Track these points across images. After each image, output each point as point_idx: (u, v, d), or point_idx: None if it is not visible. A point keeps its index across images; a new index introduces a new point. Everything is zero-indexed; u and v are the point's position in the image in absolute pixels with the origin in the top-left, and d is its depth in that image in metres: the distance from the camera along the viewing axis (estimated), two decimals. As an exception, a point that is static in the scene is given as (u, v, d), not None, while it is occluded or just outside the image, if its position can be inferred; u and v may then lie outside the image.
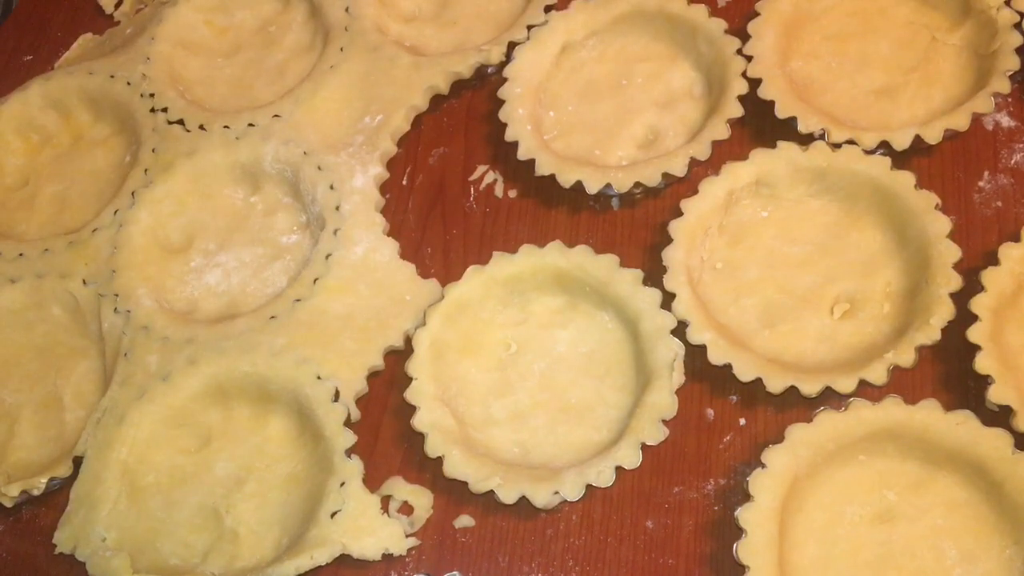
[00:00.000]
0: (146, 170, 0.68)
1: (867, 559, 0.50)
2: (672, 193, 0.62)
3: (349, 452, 0.55)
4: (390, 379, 0.60)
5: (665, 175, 0.61)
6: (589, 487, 0.53)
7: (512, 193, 0.66)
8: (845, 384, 0.52)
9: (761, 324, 0.57)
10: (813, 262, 0.58)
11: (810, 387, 0.53)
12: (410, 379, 0.57)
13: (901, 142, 0.59)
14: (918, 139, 0.59)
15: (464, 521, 0.56)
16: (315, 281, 0.62)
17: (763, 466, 0.51)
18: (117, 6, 0.80)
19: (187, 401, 0.59)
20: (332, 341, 0.60)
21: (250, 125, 0.68)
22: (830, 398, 0.53)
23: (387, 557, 0.54)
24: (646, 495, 0.55)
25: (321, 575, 0.54)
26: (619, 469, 0.53)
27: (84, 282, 0.65)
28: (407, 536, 0.54)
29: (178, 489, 0.58)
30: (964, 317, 0.53)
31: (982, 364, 0.52)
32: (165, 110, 0.70)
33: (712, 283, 0.58)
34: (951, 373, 0.55)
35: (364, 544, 0.53)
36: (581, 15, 0.68)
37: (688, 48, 0.66)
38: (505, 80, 0.66)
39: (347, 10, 0.72)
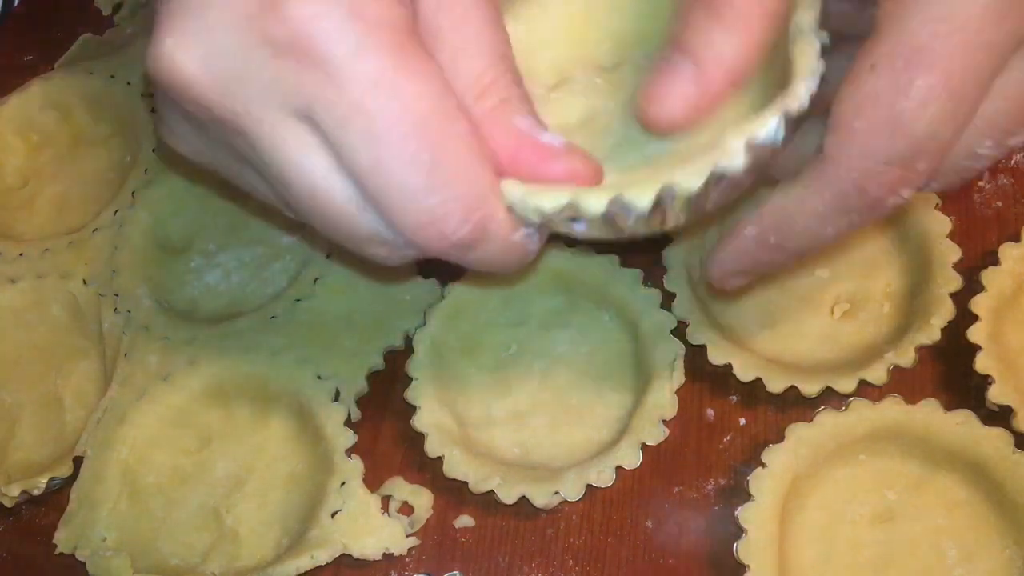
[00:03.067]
0: (146, 170, 0.68)
1: (867, 558, 0.50)
2: (672, 193, 0.62)
3: (349, 452, 0.56)
4: (390, 379, 0.60)
5: (665, 175, 0.61)
6: (589, 487, 0.53)
7: (512, 193, 0.65)
8: (845, 384, 0.52)
9: (761, 324, 0.57)
10: (813, 262, 0.58)
11: (810, 387, 0.53)
12: (410, 379, 0.57)
13: (901, 142, 0.59)
14: (918, 139, 0.59)
15: (464, 521, 0.56)
16: (315, 281, 0.62)
17: (763, 466, 0.51)
18: (116, 9, 0.80)
19: (187, 401, 0.59)
20: (332, 341, 0.60)
21: (250, 125, 0.68)
22: (830, 398, 0.53)
23: (387, 557, 0.54)
24: (646, 495, 0.55)
25: (321, 575, 0.54)
26: (619, 469, 0.53)
27: (84, 282, 0.65)
28: (407, 536, 0.54)
29: (178, 489, 0.58)
30: (964, 317, 0.53)
31: (982, 364, 0.52)
32: (165, 110, 0.70)
33: (712, 283, 0.58)
34: (951, 373, 0.55)
35: (364, 544, 0.53)
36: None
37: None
38: (505, 80, 0.66)
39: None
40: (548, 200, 0.41)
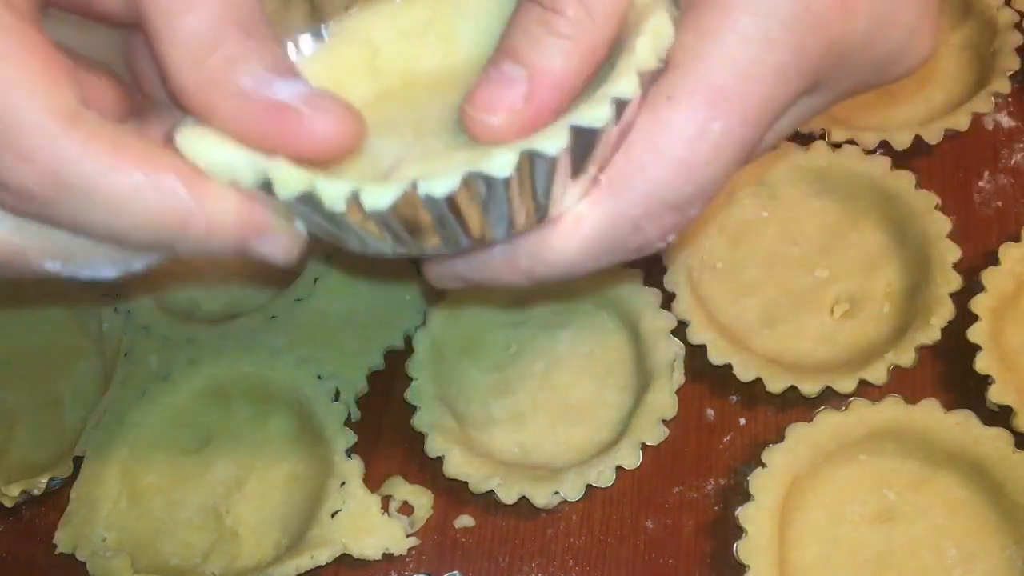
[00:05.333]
0: (146, 170, 0.68)
1: (867, 558, 0.50)
2: (672, 193, 0.62)
3: (349, 452, 0.55)
4: (390, 379, 0.60)
5: (665, 175, 0.61)
6: (589, 487, 0.53)
7: (512, 193, 0.65)
8: (845, 384, 0.53)
9: (761, 324, 0.57)
10: (813, 262, 0.58)
11: (810, 387, 0.53)
12: (410, 379, 0.57)
13: (901, 142, 0.59)
14: (918, 139, 0.59)
15: (464, 521, 0.56)
16: (315, 281, 0.62)
17: (763, 466, 0.51)
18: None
19: (187, 401, 0.59)
20: (332, 341, 0.60)
21: (250, 125, 0.68)
22: (830, 398, 0.53)
23: (387, 557, 0.54)
24: (646, 495, 0.55)
25: (321, 575, 0.54)
26: (619, 469, 0.53)
27: (84, 282, 0.65)
28: (407, 536, 0.54)
29: (178, 489, 0.58)
30: (964, 317, 0.53)
31: (982, 364, 0.52)
32: (165, 110, 0.70)
33: (712, 283, 0.58)
34: (951, 373, 0.55)
35: (364, 544, 0.53)
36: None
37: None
38: (505, 80, 0.66)
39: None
40: (282, 186, 0.33)
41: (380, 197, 0.33)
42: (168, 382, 0.59)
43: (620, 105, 0.34)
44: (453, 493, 0.56)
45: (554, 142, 0.33)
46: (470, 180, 0.33)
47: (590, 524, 0.55)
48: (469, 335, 0.59)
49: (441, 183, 0.33)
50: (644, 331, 0.56)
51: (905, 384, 0.54)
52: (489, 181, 0.34)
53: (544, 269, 0.38)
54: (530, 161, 0.34)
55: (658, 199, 0.35)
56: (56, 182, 0.33)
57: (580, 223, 0.36)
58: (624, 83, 0.34)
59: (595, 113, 0.34)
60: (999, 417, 0.51)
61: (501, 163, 0.33)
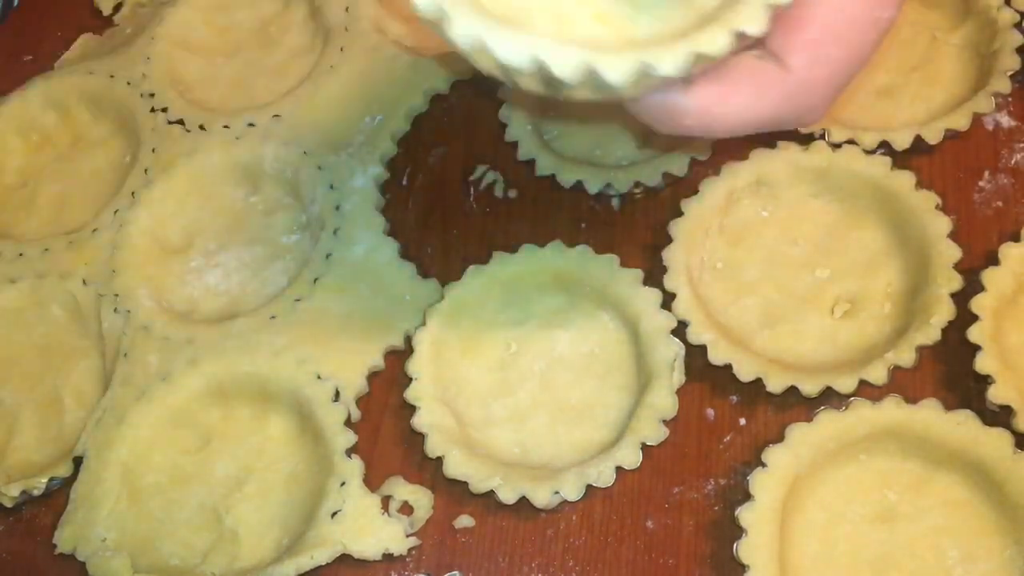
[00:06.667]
0: (146, 170, 0.68)
1: (867, 558, 0.50)
2: (672, 193, 0.62)
3: (349, 452, 0.56)
4: (390, 379, 0.60)
5: (665, 175, 0.61)
6: (589, 487, 0.53)
7: (512, 193, 0.66)
8: (845, 384, 0.52)
9: (761, 324, 0.57)
10: (814, 262, 0.58)
11: (810, 387, 0.53)
12: (410, 379, 0.57)
13: (901, 142, 0.59)
14: (918, 139, 0.59)
15: (464, 521, 0.56)
16: (315, 281, 0.62)
17: (763, 466, 0.51)
18: (116, 9, 0.80)
19: (187, 401, 0.59)
20: (332, 341, 0.60)
21: (250, 125, 0.68)
22: (831, 398, 0.53)
23: (387, 557, 0.54)
24: (646, 495, 0.55)
25: (321, 575, 0.54)
26: (619, 469, 0.53)
27: (84, 282, 0.65)
28: (407, 536, 0.54)
29: (178, 489, 0.58)
30: (965, 317, 0.53)
31: (982, 364, 0.52)
32: (165, 110, 0.70)
33: (712, 283, 0.58)
34: (952, 373, 0.55)
35: (364, 544, 0.53)
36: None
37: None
38: (505, 80, 0.66)
39: (347, 10, 0.72)
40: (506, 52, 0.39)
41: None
42: (168, 382, 0.59)
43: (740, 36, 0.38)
44: (453, 493, 0.56)
45: (671, 63, 0.37)
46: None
47: (590, 524, 0.55)
48: (469, 335, 0.59)
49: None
50: (644, 331, 0.56)
51: (905, 384, 0.54)
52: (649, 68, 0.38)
53: (718, 130, 0.43)
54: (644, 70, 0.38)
55: (829, 70, 0.43)
56: None
57: (757, 96, 0.42)
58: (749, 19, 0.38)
59: (715, 44, 0.37)
60: (1000, 417, 0.51)
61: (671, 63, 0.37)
